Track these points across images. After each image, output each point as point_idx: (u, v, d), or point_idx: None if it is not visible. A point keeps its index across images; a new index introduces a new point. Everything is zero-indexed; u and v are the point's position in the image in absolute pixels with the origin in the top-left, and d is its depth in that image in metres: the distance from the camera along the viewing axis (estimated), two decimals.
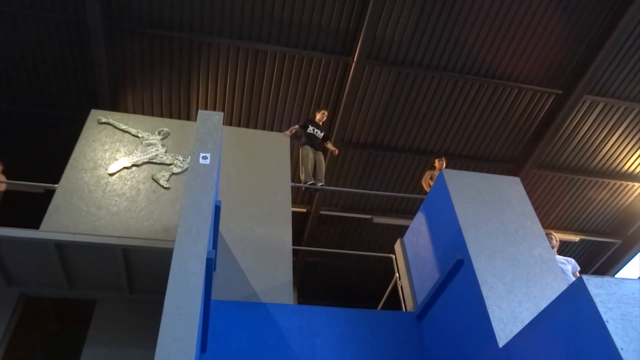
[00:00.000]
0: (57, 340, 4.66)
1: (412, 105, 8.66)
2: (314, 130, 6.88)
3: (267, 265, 3.90)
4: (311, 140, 6.81)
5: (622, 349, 1.81)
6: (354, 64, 7.97)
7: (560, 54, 8.22)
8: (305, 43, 7.84)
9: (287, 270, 3.89)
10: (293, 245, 4.29)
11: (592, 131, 9.27)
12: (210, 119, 3.28)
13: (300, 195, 9.85)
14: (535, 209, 3.73)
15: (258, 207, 4.25)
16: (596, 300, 1.96)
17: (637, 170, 9.96)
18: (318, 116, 7.11)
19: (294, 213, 4.76)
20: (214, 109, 8.49)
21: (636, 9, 7.51)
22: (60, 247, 3.37)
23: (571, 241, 10.97)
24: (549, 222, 10.37)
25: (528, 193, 3.90)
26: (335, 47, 7.93)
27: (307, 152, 6.68)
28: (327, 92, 8.46)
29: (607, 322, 1.92)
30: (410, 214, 9.71)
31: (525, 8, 7.59)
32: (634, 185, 10.18)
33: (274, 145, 4.78)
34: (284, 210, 4.25)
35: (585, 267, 11.41)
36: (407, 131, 9.04)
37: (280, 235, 4.07)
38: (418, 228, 4.01)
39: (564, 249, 11.00)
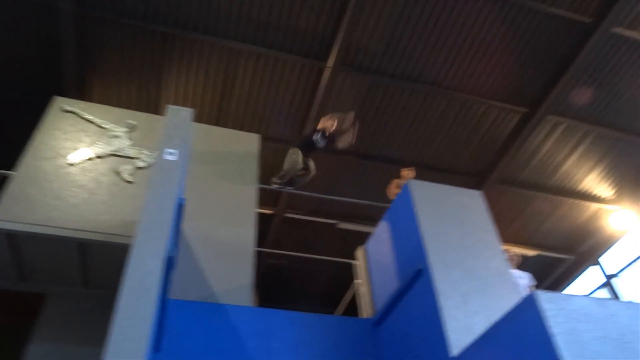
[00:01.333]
0: (4, 334, 4.48)
1: (382, 114, 8.76)
2: (324, 141, 5.88)
3: (228, 266, 3.86)
4: (307, 149, 5.88)
5: (564, 358, 1.87)
6: (328, 69, 8.01)
7: (528, 74, 8.49)
8: (281, 45, 7.82)
9: (248, 272, 3.86)
10: (257, 246, 4.27)
11: (553, 150, 9.61)
12: (179, 115, 3.23)
13: (266, 197, 9.80)
14: (495, 223, 3.82)
15: (222, 206, 4.20)
16: (546, 314, 2.02)
17: (591, 190, 10.39)
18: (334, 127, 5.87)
19: (259, 214, 4.74)
20: (185, 105, 8.36)
21: (600, 35, 7.83)
22: (13, 237, 3.24)
23: (528, 255, 11.32)
24: (507, 236, 10.65)
25: (489, 207, 3.99)
26: (311, 51, 7.95)
27: (298, 158, 5.71)
28: (299, 96, 8.47)
29: (556, 336, 1.98)
30: (375, 221, 9.81)
31: (498, 28, 7.81)
32: (588, 205, 10.60)
33: (243, 145, 4.74)
34: (249, 211, 4.22)
35: (541, 281, 11.78)
36: (377, 139, 9.14)
37: (243, 236, 4.03)
38: (381, 236, 4.05)
39: (521, 263, 11.30)
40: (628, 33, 7.90)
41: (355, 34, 7.70)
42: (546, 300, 2.03)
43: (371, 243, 4.36)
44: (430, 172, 9.43)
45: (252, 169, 4.50)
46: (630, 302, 2.45)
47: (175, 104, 8.44)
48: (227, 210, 4.17)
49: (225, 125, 8.66)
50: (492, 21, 7.74)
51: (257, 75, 8.14)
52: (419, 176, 9.49)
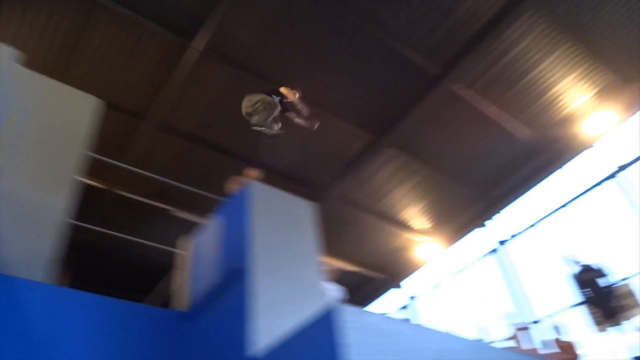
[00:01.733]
0: None
1: (239, 109, 8.71)
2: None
3: (32, 235, 3.40)
4: None
5: None
6: (196, 51, 7.72)
7: (380, 105, 9.21)
8: (148, 11, 7.30)
9: (53, 245, 3.45)
10: (74, 219, 3.85)
11: (386, 179, 10.56)
12: (2, 54, 2.79)
13: (101, 169, 9.01)
14: (324, 236, 4.01)
15: (36, 168, 3.69)
16: (343, 326, 2.15)
17: (410, 221, 11.69)
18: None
19: (88, 187, 4.30)
20: (25, 50, 7.29)
21: (443, 87, 8.86)
22: None
23: (346, 270, 12.24)
24: (332, 250, 11.32)
25: (322, 220, 4.17)
26: (179, 27, 7.57)
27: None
28: (155, 70, 8.00)
29: (348, 346, 2.11)
30: (209, 213, 9.72)
31: (363, 57, 8.35)
32: (404, 233, 11.89)
33: (77, 106, 4.24)
34: (67, 178, 3.78)
35: (352, 296, 12.78)
36: (229, 133, 9.05)
37: (54, 204, 3.59)
38: (210, 229, 3.98)
39: (340, 278, 12.10)
40: (465, 92, 9.08)
41: (230, 22, 7.55)
42: (345, 312, 2.18)
43: (199, 235, 4.25)
44: (273, 176, 9.59)
45: (82, 134, 4.05)
46: (418, 324, 2.75)
47: (12, 45, 7.35)
48: (41, 173, 3.67)
49: (68, 82, 7.77)
50: (361, 49, 8.23)
51: (114, 36, 7.48)
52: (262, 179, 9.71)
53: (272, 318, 2.90)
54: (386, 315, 2.43)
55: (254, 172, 7.21)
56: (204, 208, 9.92)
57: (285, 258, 3.32)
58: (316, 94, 8.75)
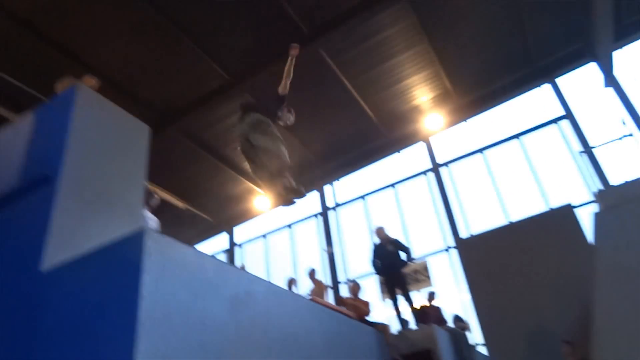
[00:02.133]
0: None
1: (99, 15, 7.74)
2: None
3: None
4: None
5: (144, 296, 1.98)
6: None
7: (250, 48, 8.96)
8: None
9: None
10: None
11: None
12: None
13: None
14: (157, 167, 3.82)
15: None
16: (145, 251, 2.11)
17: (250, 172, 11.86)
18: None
19: None
20: None
21: (311, 50, 8.95)
22: None
23: (176, 205, 11.99)
24: (161, 181, 10.72)
25: (163, 150, 3.97)
26: None
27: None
28: None
29: (145, 272, 2.07)
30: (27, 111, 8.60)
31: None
32: (244, 183, 12.04)
33: None
34: None
35: (183, 236, 12.63)
36: (78, 34, 8.00)
37: None
38: (21, 127, 3.51)
39: (168, 212, 11.73)
40: (331, 60, 9.33)
41: None
42: (151, 239, 2.13)
43: (5, 131, 3.72)
44: (116, 90, 8.75)
45: None
46: (223, 262, 2.82)
47: None
48: None
49: None
50: None
51: None
52: (104, 90, 8.85)
53: (75, 234, 2.71)
54: (194, 249, 2.46)
55: (91, 80, 6.49)
56: (21, 103, 8.71)
57: (103, 175, 3.09)
58: (188, 23, 8.21)
